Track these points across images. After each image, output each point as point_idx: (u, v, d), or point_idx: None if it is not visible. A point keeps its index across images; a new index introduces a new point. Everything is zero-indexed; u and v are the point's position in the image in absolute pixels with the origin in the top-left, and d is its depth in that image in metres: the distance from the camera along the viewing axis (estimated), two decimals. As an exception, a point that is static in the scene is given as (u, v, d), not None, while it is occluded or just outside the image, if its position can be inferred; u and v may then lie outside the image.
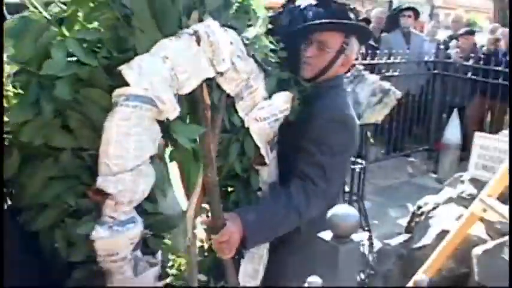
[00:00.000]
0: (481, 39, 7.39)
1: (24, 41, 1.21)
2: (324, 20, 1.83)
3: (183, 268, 1.75)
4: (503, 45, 6.63)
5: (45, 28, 1.23)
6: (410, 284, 2.50)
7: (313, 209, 1.76)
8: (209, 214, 1.67)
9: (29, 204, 1.26)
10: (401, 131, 6.62)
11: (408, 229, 3.66)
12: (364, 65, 5.33)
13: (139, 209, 1.30)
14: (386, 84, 3.99)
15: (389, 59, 5.91)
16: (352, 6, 1.99)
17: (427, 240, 3.08)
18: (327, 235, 1.05)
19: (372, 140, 4.58)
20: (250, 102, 1.67)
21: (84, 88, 1.21)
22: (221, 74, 1.45)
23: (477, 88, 6.23)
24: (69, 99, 1.20)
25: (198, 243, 1.75)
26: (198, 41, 1.31)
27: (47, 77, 1.18)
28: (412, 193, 4.99)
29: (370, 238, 4.35)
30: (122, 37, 1.25)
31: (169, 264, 1.73)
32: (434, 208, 3.38)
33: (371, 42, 6.78)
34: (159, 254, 1.40)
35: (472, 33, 6.98)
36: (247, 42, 1.56)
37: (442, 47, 6.88)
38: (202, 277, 1.70)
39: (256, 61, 1.63)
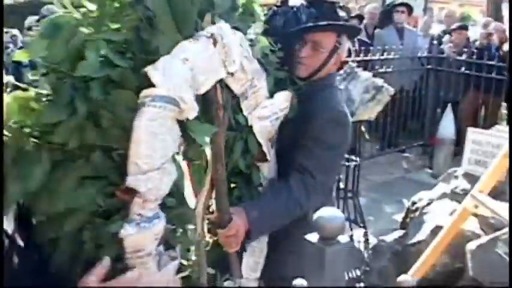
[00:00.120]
0: (475, 33, 7.38)
1: (56, 41, 1.22)
2: (322, 23, 1.89)
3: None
4: (495, 39, 6.64)
5: (76, 29, 1.25)
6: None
7: (312, 200, 1.86)
8: (213, 209, 1.73)
9: (56, 211, 1.25)
10: (395, 127, 6.63)
11: (403, 225, 3.68)
12: (357, 61, 5.34)
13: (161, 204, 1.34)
14: (379, 81, 3.99)
15: (382, 55, 5.92)
16: (342, 4, 2.04)
17: (421, 236, 3.10)
18: (313, 237, 1.06)
19: (367, 136, 4.59)
20: (253, 101, 1.74)
21: (115, 89, 1.24)
22: (232, 74, 1.51)
23: (471, 83, 6.25)
24: (102, 99, 1.22)
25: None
26: (215, 43, 1.36)
27: (79, 78, 1.20)
28: (408, 189, 4.99)
29: (365, 234, 4.36)
30: (144, 38, 1.28)
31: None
32: (428, 204, 3.40)
33: (364, 38, 6.80)
34: (178, 248, 1.43)
35: (465, 28, 6.99)
36: (250, 43, 1.63)
37: (435, 42, 6.90)
38: (211, 270, 1.75)
39: (259, 61, 1.70)
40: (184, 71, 1.28)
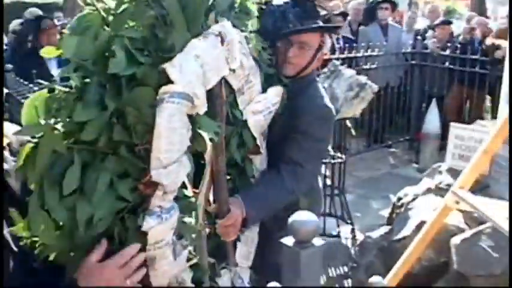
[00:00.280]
0: (460, 27, 7.39)
1: (84, 39, 1.25)
2: (314, 25, 2.03)
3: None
4: (478, 33, 6.69)
5: (102, 27, 1.28)
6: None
7: (302, 186, 2.08)
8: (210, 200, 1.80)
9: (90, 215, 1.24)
10: (381, 123, 6.67)
11: (390, 221, 3.71)
12: (342, 59, 5.36)
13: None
14: (363, 79, 4.01)
15: (367, 51, 5.94)
16: (318, 3, 2.11)
17: (406, 231, 3.13)
18: (289, 240, 1.07)
19: (353, 133, 4.61)
20: (248, 96, 1.85)
21: (138, 86, 1.27)
22: (233, 71, 1.58)
23: (455, 77, 6.29)
24: (128, 97, 1.25)
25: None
26: (222, 41, 1.43)
27: (107, 75, 1.23)
28: (394, 184, 5.00)
29: (352, 231, 4.39)
30: (160, 36, 1.31)
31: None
32: (413, 199, 3.42)
33: (349, 35, 6.83)
34: (187, 237, 1.48)
35: (448, 23, 7.03)
36: (246, 40, 1.72)
37: (419, 37, 6.93)
38: (211, 260, 1.81)
39: (253, 58, 1.81)
40: (196, 67, 1.33)
